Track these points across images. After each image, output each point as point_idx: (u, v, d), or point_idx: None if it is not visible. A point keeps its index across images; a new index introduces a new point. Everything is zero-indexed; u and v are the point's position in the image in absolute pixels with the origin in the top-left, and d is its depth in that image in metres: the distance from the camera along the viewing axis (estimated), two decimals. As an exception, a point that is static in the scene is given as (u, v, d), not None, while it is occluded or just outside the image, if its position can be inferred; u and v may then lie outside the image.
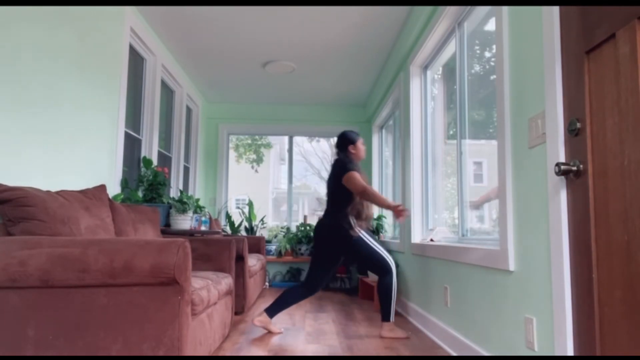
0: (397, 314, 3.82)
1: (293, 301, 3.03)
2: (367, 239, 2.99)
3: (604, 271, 1.32)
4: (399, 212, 2.80)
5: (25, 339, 1.55)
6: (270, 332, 3.00)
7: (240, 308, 3.55)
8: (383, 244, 4.80)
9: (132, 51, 3.60)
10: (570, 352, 1.47)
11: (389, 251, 4.52)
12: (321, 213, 3.23)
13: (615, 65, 1.28)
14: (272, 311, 3.01)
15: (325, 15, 3.53)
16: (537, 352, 1.70)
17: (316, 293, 3.08)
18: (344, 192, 3.00)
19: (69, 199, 2.00)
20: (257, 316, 3.00)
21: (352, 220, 2.98)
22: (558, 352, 1.53)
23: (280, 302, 3.01)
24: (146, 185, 3.55)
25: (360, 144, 3.19)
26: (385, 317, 2.96)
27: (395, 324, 3.24)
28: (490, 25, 2.58)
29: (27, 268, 1.55)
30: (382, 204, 2.85)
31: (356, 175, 2.94)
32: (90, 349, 1.56)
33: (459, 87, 2.88)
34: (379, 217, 5.05)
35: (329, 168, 9.12)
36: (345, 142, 3.17)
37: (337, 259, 3.02)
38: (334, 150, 3.27)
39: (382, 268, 2.97)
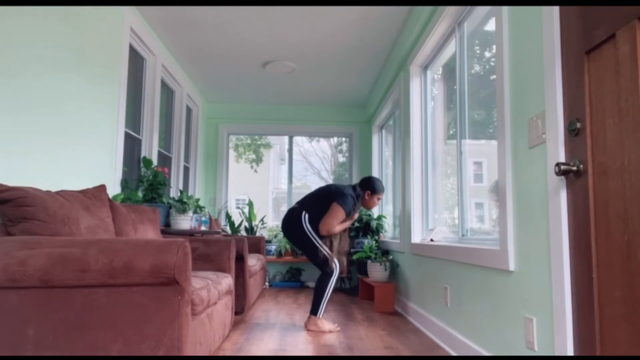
0: (397, 314, 3.82)
1: (324, 288, 3.16)
2: (315, 238, 3.20)
3: (604, 271, 1.32)
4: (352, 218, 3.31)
5: (25, 339, 1.55)
6: (328, 332, 3.06)
7: (240, 308, 3.55)
8: (383, 243, 4.81)
9: (132, 51, 3.60)
10: (570, 352, 1.47)
11: (390, 252, 4.52)
12: None
13: (615, 65, 1.28)
14: (315, 310, 3.14)
15: (325, 15, 3.53)
16: (537, 352, 1.70)
17: (336, 270, 3.20)
18: (325, 210, 3.23)
19: (69, 199, 2.00)
20: (306, 321, 3.14)
21: (313, 229, 3.22)
22: (558, 352, 1.53)
23: (317, 297, 3.15)
24: (146, 185, 3.55)
25: (377, 198, 3.40)
26: (314, 312, 3.13)
27: (325, 319, 3.34)
28: (490, 25, 2.58)
29: (27, 268, 1.55)
30: (346, 227, 3.26)
31: (337, 215, 3.17)
32: (90, 349, 1.56)
33: (459, 87, 2.88)
34: (379, 217, 5.05)
35: (329, 168, 9.12)
36: (366, 186, 3.38)
37: (309, 238, 3.22)
38: (355, 188, 3.40)
39: (326, 266, 3.18)
